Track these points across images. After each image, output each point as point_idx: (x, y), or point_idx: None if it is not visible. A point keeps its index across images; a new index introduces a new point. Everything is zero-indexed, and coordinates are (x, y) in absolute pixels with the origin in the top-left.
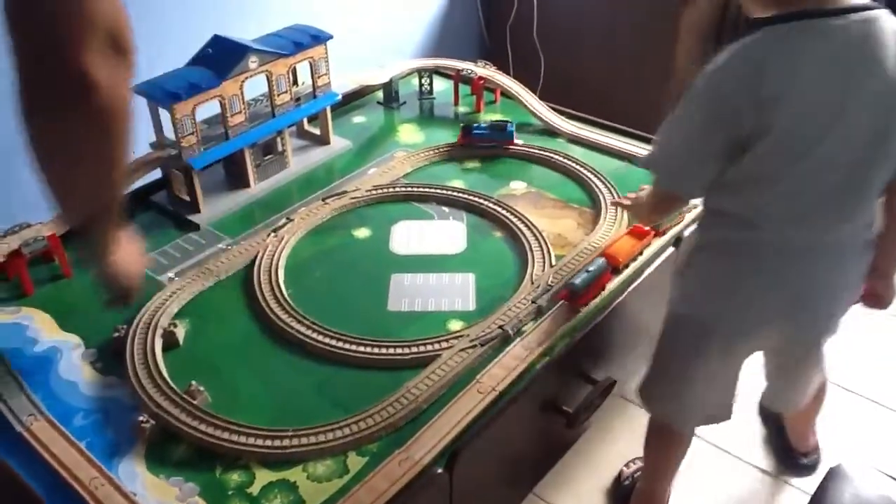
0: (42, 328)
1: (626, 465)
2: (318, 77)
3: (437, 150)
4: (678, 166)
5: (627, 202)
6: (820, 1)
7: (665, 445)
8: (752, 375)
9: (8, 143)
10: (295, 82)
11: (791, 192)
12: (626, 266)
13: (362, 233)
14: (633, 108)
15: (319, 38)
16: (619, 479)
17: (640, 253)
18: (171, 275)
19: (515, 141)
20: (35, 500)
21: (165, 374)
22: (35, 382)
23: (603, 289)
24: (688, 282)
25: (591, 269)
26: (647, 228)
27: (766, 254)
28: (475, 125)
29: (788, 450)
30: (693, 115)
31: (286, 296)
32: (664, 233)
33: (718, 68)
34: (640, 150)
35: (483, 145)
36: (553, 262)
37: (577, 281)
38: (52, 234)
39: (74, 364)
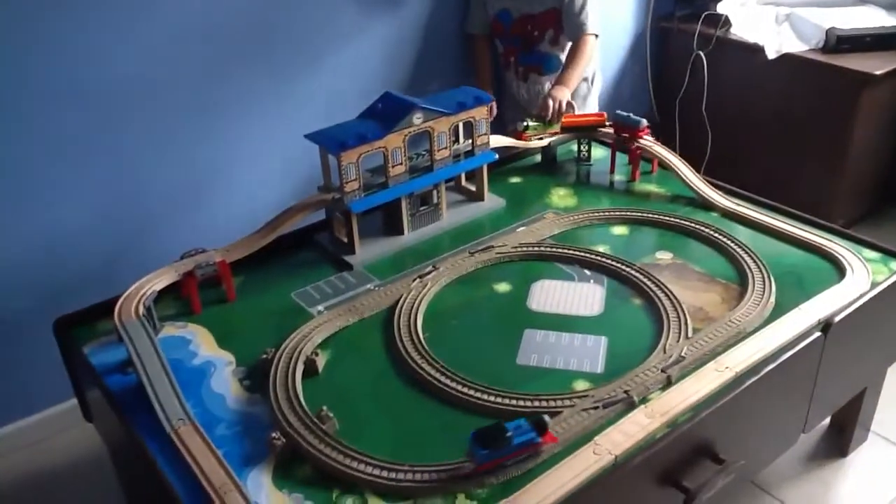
0: (202, 343)
1: None
2: (478, 136)
3: (587, 214)
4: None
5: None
6: None
7: None
8: None
9: (201, 179)
10: (456, 140)
11: None
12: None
13: (503, 287)
14: (797, 190)
15: (482, 99)
16: None
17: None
18: (320, 308)
19: None
20: (171, 496)
21: (301, 398)
22: (189, 391)
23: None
24: None
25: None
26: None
27: None
28: None
29: None
30: None
31: (422, 339)
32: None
33: None
34: (801, 231)
35: None
36: (689, 335)
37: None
38: (222, 260)
39: (225, 379)
